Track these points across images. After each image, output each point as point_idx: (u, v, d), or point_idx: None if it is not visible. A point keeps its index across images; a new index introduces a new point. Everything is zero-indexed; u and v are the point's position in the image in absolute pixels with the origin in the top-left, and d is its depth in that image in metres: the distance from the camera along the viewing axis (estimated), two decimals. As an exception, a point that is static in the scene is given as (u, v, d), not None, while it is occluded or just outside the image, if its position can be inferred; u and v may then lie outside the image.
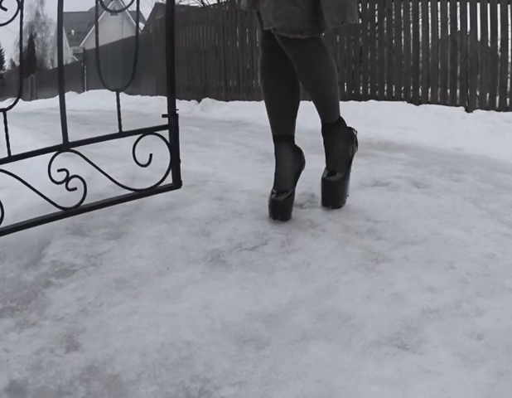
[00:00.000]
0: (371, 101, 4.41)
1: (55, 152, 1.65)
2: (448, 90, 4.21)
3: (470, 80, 4.08)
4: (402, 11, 4.61)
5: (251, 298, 1.23)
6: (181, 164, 1.90)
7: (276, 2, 1.54)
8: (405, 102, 4.22)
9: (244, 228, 1.63)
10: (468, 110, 3.86)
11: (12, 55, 33.92)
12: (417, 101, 4.32)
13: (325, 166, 1.81)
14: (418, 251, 1.48)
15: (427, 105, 4.03)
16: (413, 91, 4.49)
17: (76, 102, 9.11)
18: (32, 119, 5.34)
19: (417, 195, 2.00)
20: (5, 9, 1.37)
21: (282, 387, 0.93)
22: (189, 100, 6.75)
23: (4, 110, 1.47)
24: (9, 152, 1.52)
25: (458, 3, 4.11)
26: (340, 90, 5.18)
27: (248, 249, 1.51)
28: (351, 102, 4.50)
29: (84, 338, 1.10)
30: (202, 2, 9.25)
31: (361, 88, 4.97)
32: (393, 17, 4.69)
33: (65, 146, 1.65)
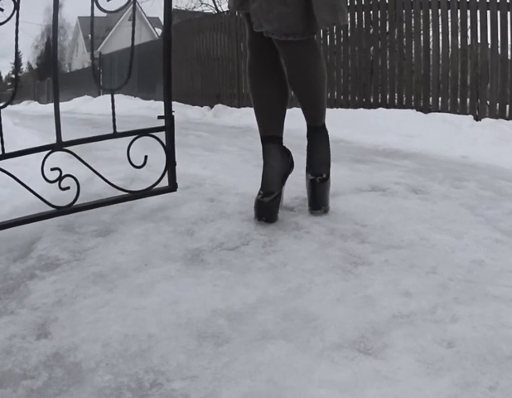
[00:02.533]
0: (380, 109, 4.39)
1: (49, 151, 1.69)
2: (458, 99, 4.15)
3: (480, 89, 4.01)
4: (413, 20, 4.60)
5: (220, 296, 1.23)
6: (181, 167, 1.91)
7: (267, 5, 1.55)
8: (414, 110, 4.18)
9: (229, 228, 1.64)
10: (478, 119, 3.79)
11: (29, 57, 34.72)
12: (427, 110, 4.28)
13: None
14: (401, 255, 1.45)
15: (436, 113, 3.99)
16: (424, 99, 4.46)
17: (91, 106, 9.24)
18: (46, 122, 5.45)
19: (413, 200, 1.97)
20: (1, 10, 1.42)
21: (231, 384, 0.93)
22: (202, 106, 6.85)
23: (-1, 107, 1.52)
24: (3, 149, 1.57)
25: (468, 12, 4.06)
26: (351, 99, 5.23)
27: (228, 248, 1.52)
28: (360, 110, 4.48)
29: (55, 327, 1.13)
30: (216, 9, 9.36)
31: (372, 96, 4.95)
32: (404, 26, 4.66)
33: (59, 145, 1.69)
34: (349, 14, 5.13)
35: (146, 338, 1.07)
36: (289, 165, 1.77)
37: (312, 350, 1.02)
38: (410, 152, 3.15)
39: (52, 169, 1.68)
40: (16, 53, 1.55)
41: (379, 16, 4.92)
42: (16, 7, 1.51)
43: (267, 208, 1.65)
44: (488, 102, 4.01)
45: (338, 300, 1.21)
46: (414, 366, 0.97)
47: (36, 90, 23.29)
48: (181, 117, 5.38)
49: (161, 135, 1.84)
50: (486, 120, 3.70)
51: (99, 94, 10.42)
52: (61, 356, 1.02)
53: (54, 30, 1.52)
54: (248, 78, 1.77)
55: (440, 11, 4.32)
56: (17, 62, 1.58)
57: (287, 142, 1.81)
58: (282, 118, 1.76)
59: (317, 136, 1.79)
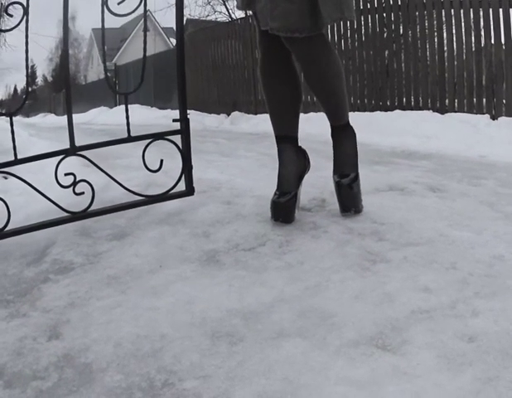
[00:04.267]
0: (397, 111, 4.35)
1: (63, 156, 1.70)
2: (474, 99, 4.09)
3: (496, 88, 3.95)
4: (426, 21, 4.55)
5: (235, 296, 1.21)
6: (198, 172, 1.88)
7: (272, 3, 1.53)
8: (430, 111, 4.13)
9: (245, 230, 1.62)
10: (494, 118, 3.73)
11: (44, 70, 35.25)
12: (443, 110, 4.23)
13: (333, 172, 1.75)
14: (420, 252, 1.41)
15: (452, 114, 3.94)
16: (440, 100, 4.40)
17: (107, 116, 9.31)
18: (62, 133, 5.51)
19: (431, 199, 1.93)
20: (10, 15, 1.43)
21: (245, 383, 0.90)
22: (218, 114, 6.86)
23: (11, 115, 1.53)
24: (15, 155, 1.57)
25: (481, 10, 4.00)
26: (368, 103, 5.18)
27: (244, 249, 1.49)
28: (377, 112, 4.44)
29: (67, 328, 1.12)
30: (230, 17, 9.40)
31: (388, 99, 4.92)
32: (418, 27, 4.62)
33: (72, 150, 1.70)
34: (361, 18, 5.11)
35: (158, 338, 1.05)
36: (305, 165, 1.74)
37: (329, 347, 0.99)
38: (428, 152, 3.10)
39: (66, 174, 1.68)
40: (27, 58, 1.55)
41: (393, 18, 4.89)
42: (26, 12, 1.50)
43: (283, 208, 1.62)
44: (504, 101, 3.95)
45: (356, 297, 1.18)
46: (434, 361, 0.93)
47: (53, 103, 23.46)
48: (199, 125, 5.38)
49: (177, 140, 1.83)
50: (503, 119, 3.66)
51: (116, 105, 10.50)
52: (72, 357, 1.01)
53: (64, 31, 1.52)
54: (260, 78, 1.75)
55: (453, 11, 4.27)
56: (28, 67, 1.59)
57: (303, 146, 1.78)
58: (297, 118, 1.72)
59: (340, 135, 1.73)
